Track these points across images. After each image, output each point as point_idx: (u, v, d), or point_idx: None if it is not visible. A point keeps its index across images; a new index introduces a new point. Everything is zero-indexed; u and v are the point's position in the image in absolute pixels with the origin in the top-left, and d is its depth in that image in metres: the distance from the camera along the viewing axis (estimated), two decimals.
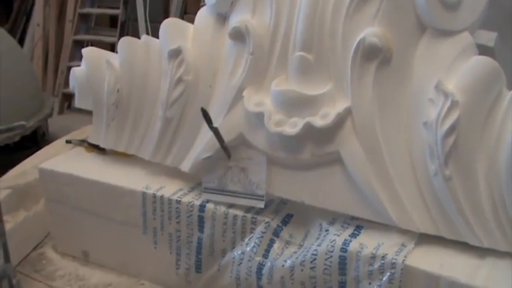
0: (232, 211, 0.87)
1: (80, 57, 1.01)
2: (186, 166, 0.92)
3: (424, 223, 0.75)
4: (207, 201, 0.89)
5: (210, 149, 0.87)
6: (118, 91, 0.95)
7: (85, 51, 0.99)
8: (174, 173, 0.94)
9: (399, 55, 0.77)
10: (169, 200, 0.90)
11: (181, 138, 0.93)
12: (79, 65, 1.01)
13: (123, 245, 0.96)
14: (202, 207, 0.88)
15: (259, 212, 0.86)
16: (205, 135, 0.89)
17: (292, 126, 0.80)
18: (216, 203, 0.88)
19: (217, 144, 0.85)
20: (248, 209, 0.87)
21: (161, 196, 0.91)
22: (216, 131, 0.84)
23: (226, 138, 0.85)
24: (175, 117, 0.92)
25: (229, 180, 0.87)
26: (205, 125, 0.86)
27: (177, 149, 0.93)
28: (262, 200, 0.85)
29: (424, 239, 0.76)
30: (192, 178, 0.93)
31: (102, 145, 1.00)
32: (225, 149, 0.85)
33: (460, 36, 0.73)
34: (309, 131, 0.79)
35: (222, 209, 0.87)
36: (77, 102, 1.01)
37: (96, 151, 1.03)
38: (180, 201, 0.89)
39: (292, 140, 0.81)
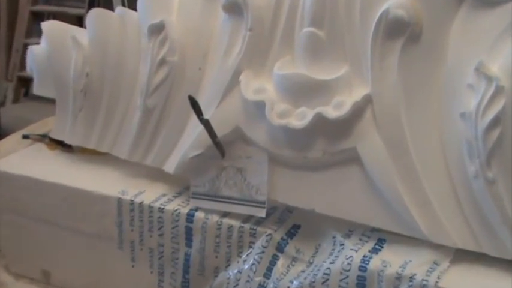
0: (226, 221, 0.87)
1: (39, 33, 1.01)
2: (170, 166, 0.92)
3: (462, 237, 0.75)
4: (196, 209, 0.89)
5: (200, 146, 0.87)
6: (87, 75, 0.95)
7: (45, 25, 0.99)
8: (156, 175, 0.94)
9: (430, 31, 0.76)
10: (150, 207, 0.90)
11: (165, 133, 0.93)
12: (38, 43, 1.00)
13: (94, 263, 0.96)
14: (190, 217, 0.88)
15: (259, 222, 0.86)
16: (194, 129, 0.89)
17: (300, 118, 0.80)
18: (207, 211, 0.88)
19: (208, 140, 0.85)
20: (246, 219, 0.87)
21: (140, 203, 0.91)
22: (207, 124, 0.84)
23: (220, 132, 0.85)
24: (157, 107, 0.92)
25: (223, 183, 0.87)
26: (194, 117, 0.86)
27: (160, 145, 0.93)
28: (264, 207, 0.85)
29: (462, 256, 0.75)
30: (178, 181, 0.93)
31: (67, 141, 1.00)
32: (218, 146, 0.86)
33: (506, 7, 0.72)
34: (320, 123, 0.79)
35: (215, 218, 0.87)
36: (36, 89, 1.02)
37: (60, 148, 1.03)
38: (163, 209, 0.89)
39: (299, 135, 0.81)
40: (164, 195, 0.92)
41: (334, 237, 0.83)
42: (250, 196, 0.86)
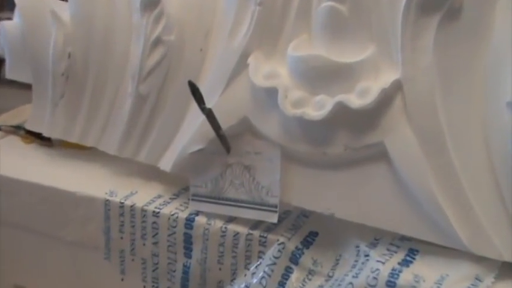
0: (232, 227, 0.86)
1: (12, 6, 1.00)
2: (166, 164, 0.91)
3: (509, 248, 0.74)
4: (197, 213, 0.89)
5: (201, 140, 0.87)
6: (69, 56, 0.94)
7: None
8: (149, 173, 0.94)
9: (473, 5, 0.75)
10: (143, 211, 0.90)
11: (160, 124, 0.92)
12: (11, 18, 1.00)
13: (76, 277, 0.96)
14: (189, 222, 0.88)
15: (270, 228, 0.86)
16: (194, 119, 0.88)
17: (318, 108, 0.80)
18: (210, 215, 0.88)
19: (211, 133, 0.85)
20: (255, 225, 0.87)
21: (131, 206, 0.90)
22: (209, 114, 0.83)
23: (224, 123, 0.85)
24: (151, 94, 0.92)
25: (228, 183, 0.87)
26: (194, 106, 0.86)
27: (154, 139, 0.93)
28: (275, 211, 0.84)
29: (509, 270, 0.74)
30: (176, 181, 0.93)
31: (45, 133, 1.00)
32: (223, 139, 0.85)
33: None
34: (342, 113, 0.78)
35: (218, 224, 0.87)
36: (8, 72, 1.01)
37: (37, 142, 1.03)
38: (158, 213, 0.89)
39: (317, 127, 0.80)
40: (159, 196, 0.92)
41: (357, 247, 0.82)
42: (259, 198, 0.86)
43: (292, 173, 0.85)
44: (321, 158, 0.83)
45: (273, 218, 0.85)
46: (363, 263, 0.80)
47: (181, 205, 0.91)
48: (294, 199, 0.85)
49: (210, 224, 0.88)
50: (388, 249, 0.81)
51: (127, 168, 0.96)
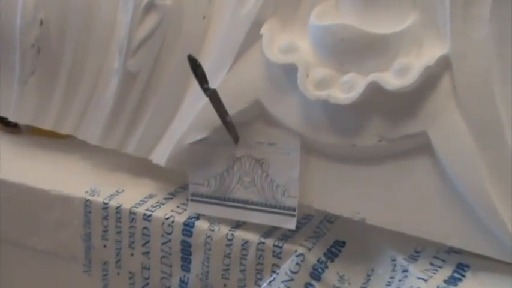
0: (240, 234, 0.86)
1: None
2: (160, 156, 0.91)
3: None
4: (197, 217, 0.89)
5: (203, 127, 0.86)
6: (41, 23, 0.94)
7: None
8: (139, 168, 0.95)
9: None
10: (132, 214, 0.90)
11: (153, 108, 0.92)
12: None
13: None
14: (188, 228, 0.88)
15: (286, 236, 0.86)
16: (195, 103, 0.88)
17: (347, 89, 0.79)
18: (213, 220, 0.88)
19: (215, 119, 0.84)
20: (268, 232, 0.86)
21: (117, 207, 0.91)
22: (213, 96, 0.83)
23: (232, 108, 0.84)
24: (142, 71, 0.92)
25: (235, 180, 0.87)
26: (195, 86, 0.85)
27: (146, 126, 0.93)
28: (293, 215, 0.84)
29: None
30: (171, 177, 0.93)
31: (12, 118, 1.00)
32: (229, 127, 0.84)
33: None
34: (376, 96, 0.78)
35: (223, 230, 0.87)
36: None
37: (1, 128, 1.04)
38: (150, 216, 0.89)
39: (345, 113, 0.80)
40: (151, 196, 0.93)
41: (393, 260, 0.82)
42: (274, 199, 0.85)
43: (314, 168, 0.85)
44: (349, 151, 0.83)
45: (291, 224, 0.85)
46: (400, 280, 0.79)
47: (178, 207, 0.91)
48: (316, 201, 0.85)
49: (213, 230, 0.88)
50: (431, 264, 0.80)
51: (112, 162, 0.97)
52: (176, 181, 0.94)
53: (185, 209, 0.90)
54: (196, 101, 0.88)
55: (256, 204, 0.87)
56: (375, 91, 0.78)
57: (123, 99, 0.94)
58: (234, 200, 0.88)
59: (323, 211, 0.86)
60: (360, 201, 0.83)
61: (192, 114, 0.88)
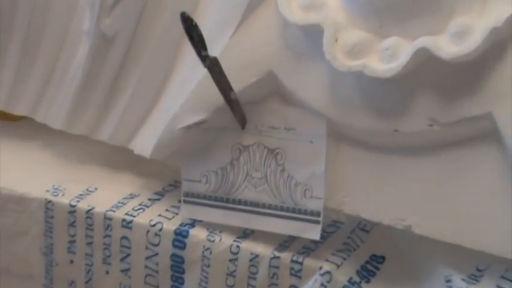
0: (248, 246, 0.86)
1: None
2: (144, 145, 0.91)
3: None
4: (192, 224, 0.89)
5: (200, 108, 0.86)
6: None
7: None
8: (117, 159, 0.96)
9: None
10: (108, 219, 0.90)
11: (134, 83, 0.93)
12: None
13: None
14: (180, 238, 0.88)
15: (309, 249, 0.85)
16: (189, 76, 0.88)
17: (388, 58, 0.79)
18: (213, 227, 0.88)
19: (216, 96, 0.84)
20: (284, 243, 0.86)
21: (88, 211, 0.91)
22: (214, 67, 0.82)
23: (238, 82, 0.84)
24: (120, 34, 0.92)
25: (242, 177, 0.87)
26: (189, 53, 0.85)
27: (125, 106, 0.93)
28: (317, 221, 0.84)
29: None
30: (159, 172, 0.95)
31: None
32: (234, 107, 0.84)
33: None
34: (426, 68, 0.78)
35: (226, 240, 0.87)
36: None
37: None
38: (131, 222, 0.89)
39: (386, 89, 0.80)
40: (133, 196, 0.93)
41: (448, 281, 0.82)
42: (292, 201, 0.85)
43: (345, 161, 0.84)
44: (391, 139, 0.82)
45: (314, 233, 0.84)
46: None
47: (167, 210, 0.90)
48: (347, 203, 0.85)
49: (213, 241, 0.87)
50: (498, 286, 0.80)
51: (81, 152, 0.97)
52: (165, 177, 0.95)
53: (176, 214, 0.90)
54: (190, 74, 0.88)
55: (269, 207, 0.87)
56: (424, 60, 0.78)
57: (95, 71, 0.94)
58: (240, 202, 0.87)
59: (356, 217, 0.86)
60: (404, 204, 0.83)
61: (185, 91, 0.88)
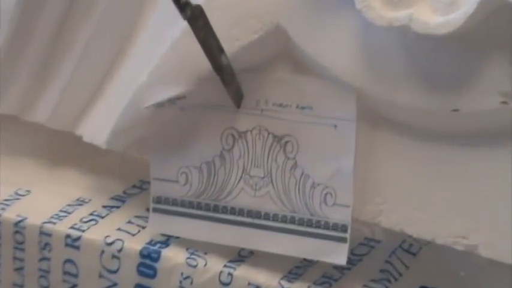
0: (244, 274, 0.84)
1: None
2: (97, 130, 0.90)
3: None
4: (166, 242, 0.87)
5: (176, 78, 0.84)
6: None
7: None
8: (59, 151, 0.96)
9: None
10: (44, 234, 0.89)
11: (82, 46, 0.93)
12: None
13: None
14: (149, 261, 0.86)
15: (331, 278, 0.84)
16: (160, 33, 0.87)
17: (444, 7, 0.77)
18: (195, 246, 0.86)
19: (200, 62, 0.82)
20: (297, 270, 0.85)
21: (18, 223, 0.90)
22: (196, 19, 0.81)
23: (232, 41, 0.82)
24: None
25: (236, 175, 0.85)
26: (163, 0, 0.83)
27: (69, 77, 0.93)
28: (344, 240, 0.82)
29: None
30: (118, 168, 0.95)
31: None
32: (226, 76, 0.82)
33: None
34: (498, 21, 0.77)
35: (215, 266, 0.85)
36: None
37: None
38: (78, 239, 0.88)
39: (441, 52, 0.79)
40: (81, 202, 0.92)
41: None
42: (307, 210, 0.83)
43: (383, 154, 0.82)
44: (448, 121, 0.79)
45: (339, 256, 0.82)
46: None
47: (129, 222, 0.89)
48: (386, 214, 0.82)
49: (194, 267, 0.85)
50: None
51: (8, 141, 0.96)
52: (126, 175, 0.94)
53: (143, 227, 0.88)
54: (163, 30, 0.87)
55: (275, 218, 0.84)
56: (496, 10, 0.77)
57: (27, 25, 0.94)
58: (233, 211, 0.85)
59: (398, 233, 0.83)
60: (467, 216, 0.80)
61: (155, 54, 0.86)
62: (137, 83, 0.86)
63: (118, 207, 0.92)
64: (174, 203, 0.87)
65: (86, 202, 0.93)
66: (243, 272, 0.84)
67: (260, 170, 0.84)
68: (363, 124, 0.82)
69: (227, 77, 0.82)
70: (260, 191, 0.84)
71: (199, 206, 0.86)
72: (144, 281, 0.87)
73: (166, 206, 0.87)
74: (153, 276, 0.86)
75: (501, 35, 0.78)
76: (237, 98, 0.84)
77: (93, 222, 0.90)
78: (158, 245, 0.87)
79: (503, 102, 0.78)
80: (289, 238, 0.84)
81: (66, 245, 0.88)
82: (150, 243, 0.87)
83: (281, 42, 0.83)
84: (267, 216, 0.85)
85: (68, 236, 0.88)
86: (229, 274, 0.84)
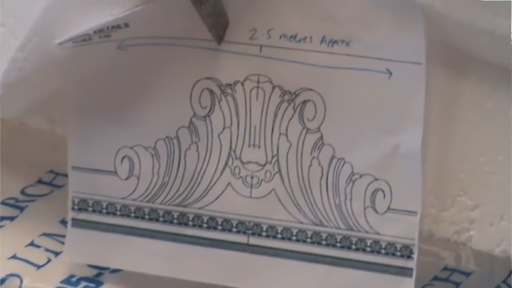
0: None
1: None
2: None
3: None
4: (97, 279, 0.74)
5: None
6: None
7: None
8: None
9: None
10: None
11: None
12: None
13: None
14: None
15: None
16: None
17: None
18: (150, 284, 0.74)
19: None
20: None
21: None
22: None
23: None
24: None
25: (218, 162, 0.69)
26: None
27: None
28: (409, 272, 0.69)
29: None
30: (11, 150, 0.83)
31: None
32: None
33: None
34: None
35: None
36: None
37: None
38: None
39: None
40: None
41: None
42: (341, 220, 0.69)
43: (474, 116, 0.67)
44: None
45: (407, 284, 0.70)
46: None
47: (32, 245, 0.75)
48: (482, 227, 0.70)
49: None
50: None
51: None
52: (26, 164, 0.80)
53: (57, 254, 0.73)
54: None
55: (286, 235, 0.69)
56: None
57: None
58: (212, 224, 0.70)
59: (500, 258, 0.70)
60: None
61: None
62: (43, 2, 0.70)
63: (12, 218, 0.75)
64: (110, 210, 0.69)
65: None
66: None
67: (259, 151, 0.66)
68: (438, 69, 0.65)
69: None
70: (259, 188, 0.66)
71: (153, 216, 0.69)
72: None
73: (95, 215, 0.70)
74: None
75: None
76: (218, 25, 0.67)
77: None
78: (83, 285, 0.68)
79: None
80: (311, 270, 0.66)
81: None
82: (67, 280, 0.70)
83: None
84: (271, 232, 0.68)
85: None
86: None
